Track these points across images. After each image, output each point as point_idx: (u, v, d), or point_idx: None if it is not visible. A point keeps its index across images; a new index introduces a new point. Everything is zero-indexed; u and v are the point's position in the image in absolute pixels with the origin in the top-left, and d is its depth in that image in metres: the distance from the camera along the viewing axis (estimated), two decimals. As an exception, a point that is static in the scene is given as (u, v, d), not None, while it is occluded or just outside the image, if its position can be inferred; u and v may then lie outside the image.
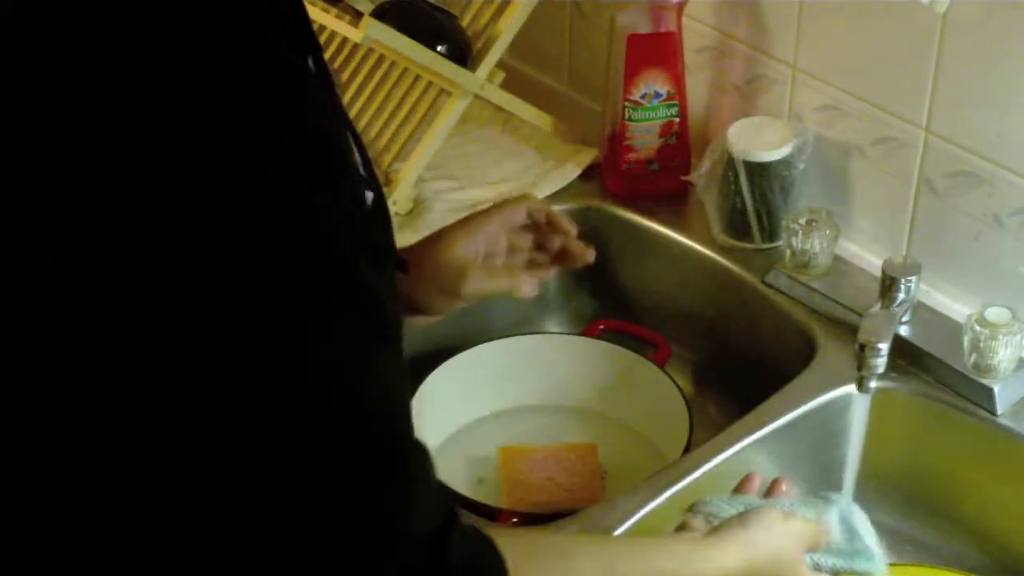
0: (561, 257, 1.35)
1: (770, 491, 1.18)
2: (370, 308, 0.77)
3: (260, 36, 0.73)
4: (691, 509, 1.14)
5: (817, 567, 1.12)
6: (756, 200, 1.50)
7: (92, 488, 0.75)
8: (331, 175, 0.76)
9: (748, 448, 1.32)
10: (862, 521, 1.17)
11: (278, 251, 0.72)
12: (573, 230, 1.34)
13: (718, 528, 1.09)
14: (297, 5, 0.80)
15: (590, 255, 1.35)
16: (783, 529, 1.09)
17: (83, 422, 0.73)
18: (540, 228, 1.34)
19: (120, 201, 0.70)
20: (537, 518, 1.32)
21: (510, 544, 0.87)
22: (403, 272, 1.15)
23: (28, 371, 0.73)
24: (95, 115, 0.70)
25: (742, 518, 1.09)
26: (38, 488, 0.76)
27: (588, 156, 1.66)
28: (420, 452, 0.81)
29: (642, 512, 1.25)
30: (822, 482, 1.38)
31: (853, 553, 1.14)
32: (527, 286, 1.29)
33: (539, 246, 1.35)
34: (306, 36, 0.81)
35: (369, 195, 0.89)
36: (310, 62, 0.79)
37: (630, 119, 1.57)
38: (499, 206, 1.32)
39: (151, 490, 0.75)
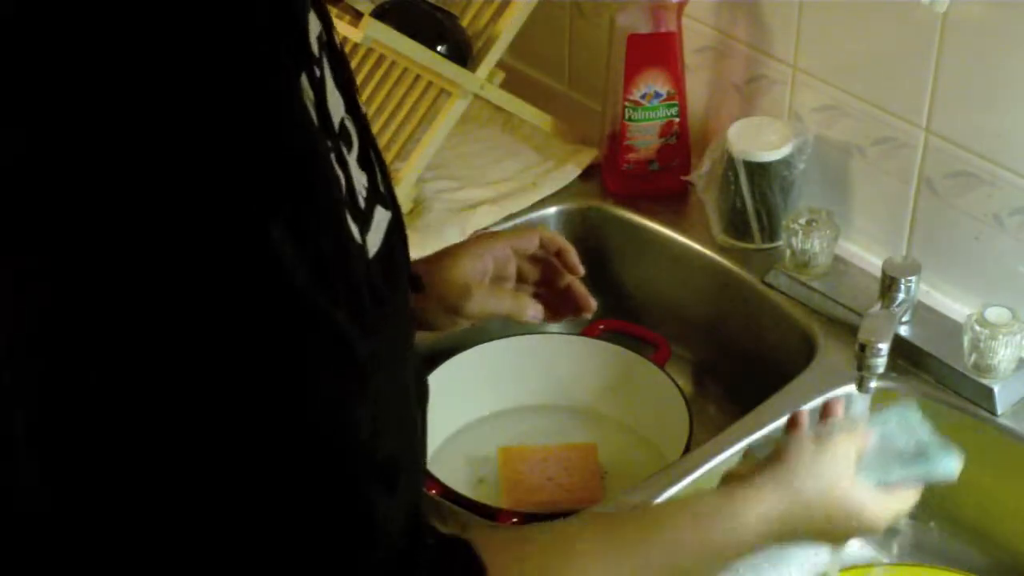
0: (563, 304, 1.30)
1: (823, 415, 1.11)
2: (335, 345, 0.76)
3: (243, 65, 0.72)
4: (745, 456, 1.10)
5: (885, 482, 1.04)
6: (756, 200, 1.50)
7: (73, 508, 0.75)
8: (299, 211, 0.74)
9: (748, 448, 1.32)
10: (921, 422, 1.09)
11: (235, 291, 0.71)
12: (581, 270, 1.30)
13: (753, 471, 1.02)
14: (296, 21, 0.78)
15: (592, 306, 1.30)
16: (823, 455, 1.02)
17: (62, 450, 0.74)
18: (549, 264, 1.30)
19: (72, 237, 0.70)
20: (537, 518, 1.32)
21: (500, 546, 0.86)
22: (416, 291, 1.13)
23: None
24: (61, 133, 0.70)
25: (775, 452, 1.02)
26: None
27: (588, 156, 1.66)
28: (388, 471, 0.81)
29: (642, 512, 1.25)
30: (822, 482, 1.38)
31: (920, 457, 1.06)
32: (532, 310, 1.26)
33: (546, 281, 1.31)
34: (303, 52, 0.80)
35: (384, 214, 0.88)
36: (304, 80, 0.78)
37: (630, 119, 1.57)
38: (511, 231, 1.30)
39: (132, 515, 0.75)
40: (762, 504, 0.99)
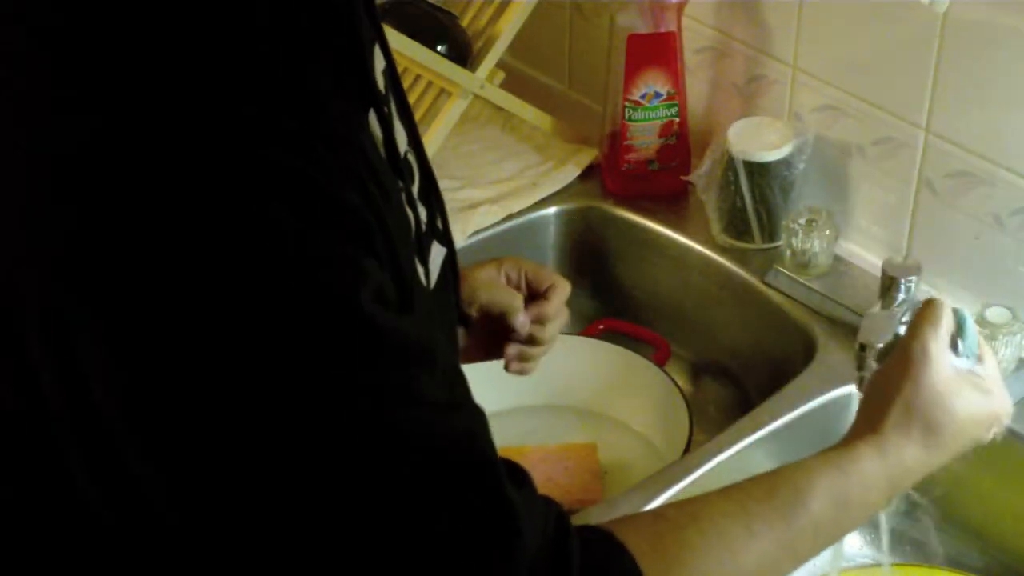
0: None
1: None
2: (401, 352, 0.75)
3: (301, 103, 0.71)
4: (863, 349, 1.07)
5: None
6: (756, 200, 1.50)
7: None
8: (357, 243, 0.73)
9: (748, 448, 1.32)
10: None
11: (296, 310, 0.70)
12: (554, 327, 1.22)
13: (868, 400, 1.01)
14: (361, 59, 0.77)
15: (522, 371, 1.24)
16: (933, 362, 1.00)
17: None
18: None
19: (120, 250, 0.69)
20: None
21: (633, 529, 0.84)
22: (463, 326, 1.10)
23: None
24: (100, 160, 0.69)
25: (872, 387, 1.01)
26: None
27: (588, 156, 1.66)
28: (512, 468, 0.80)
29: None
30: (822, 482, 1.38)
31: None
32: (524, 316, 1.19)
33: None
34: (369, 89, 0.78)
35: (440, 251, 0.87)
36: (372, 117, 0.77)
37: (630, 119, 1.57)
38: (531, 263, 1.26)
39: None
40: (903, 451, 0.98)
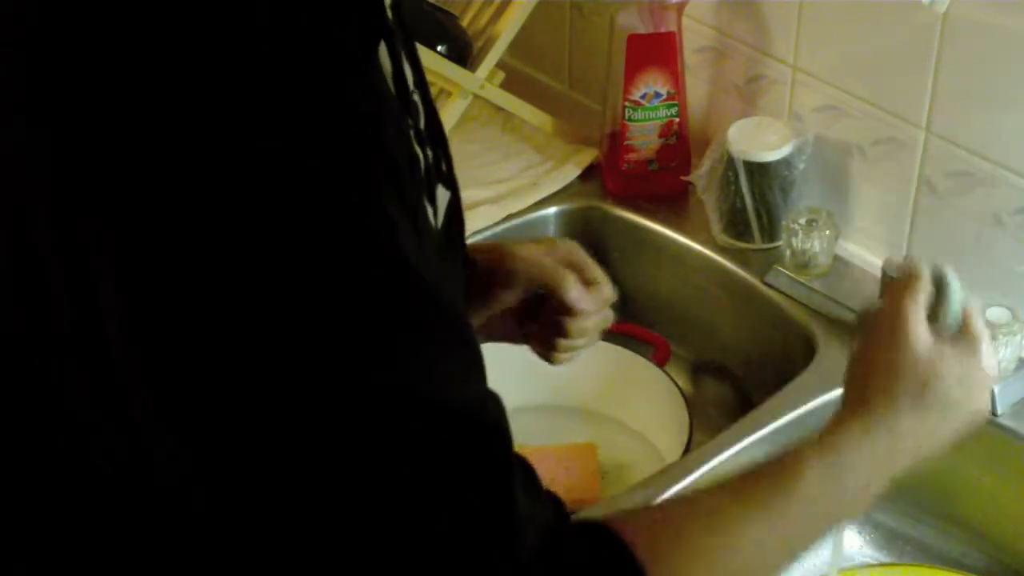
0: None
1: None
2: (445, 322, 0.75)
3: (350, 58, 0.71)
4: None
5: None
6: (756, 200, 1.50)
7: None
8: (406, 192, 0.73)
9: (748, 448, 1.32)
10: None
11: (353, 266, 0.70)
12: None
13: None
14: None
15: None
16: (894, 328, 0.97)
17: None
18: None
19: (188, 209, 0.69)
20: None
21: (635, 526, 0.84)
22: (470, 269, 1.08)
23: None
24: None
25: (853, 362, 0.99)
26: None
27: (588, 156, 1.66)
28: (519, 462, 0.80)
29: (642, 512, 1.25)
30: (822, 482, 1.38)
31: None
32: (576, 291, 1.12)
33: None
34: (380, 21, 0.78)
35: (445, 194, 0.86)
36: (382, 50, 0.76)
37: (630, 119, 1.57)
38: (585, 254, 1.16)
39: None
40: (878, 423, 0.94)
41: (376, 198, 0.71)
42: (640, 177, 1.60)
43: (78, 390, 0.73)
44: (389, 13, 0.79)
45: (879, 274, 1.37)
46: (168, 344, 0.70)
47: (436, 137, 0.87)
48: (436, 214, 0.84)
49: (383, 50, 0.77)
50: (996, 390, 1.32)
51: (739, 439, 1.32)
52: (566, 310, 1.11)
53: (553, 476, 1.41)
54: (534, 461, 1.43)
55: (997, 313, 1.32)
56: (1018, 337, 1.32)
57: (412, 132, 0.79)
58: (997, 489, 1.35)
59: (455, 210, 0.89)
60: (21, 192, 0.72)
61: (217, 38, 0.68)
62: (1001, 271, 1.40)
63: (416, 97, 0.83)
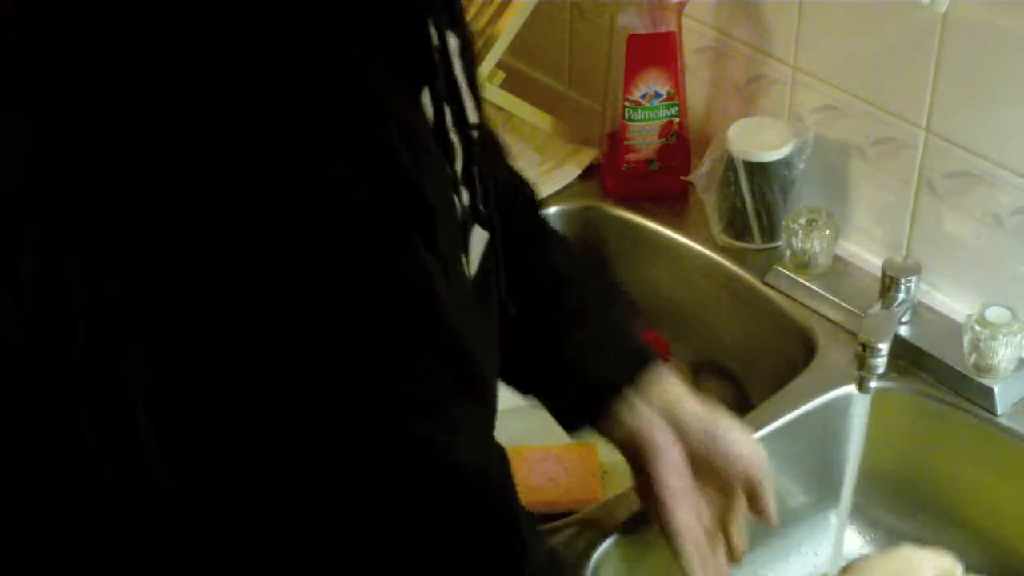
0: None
1: None
2: (453, 354, 0.75)
3: (366, 75, 0.71)
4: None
5: None
6: (756, 200, 1.50)
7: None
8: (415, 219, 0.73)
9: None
10: None
11: (356, 286, 0.70)
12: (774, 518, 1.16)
13: None
14: (419, 35, 0.77)
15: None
16: None
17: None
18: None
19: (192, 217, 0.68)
20: (537, 518, 1.32)
21: None
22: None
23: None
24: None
25: None
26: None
27: (588, 156, 1.66)
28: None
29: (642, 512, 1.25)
30: (822, 482, 1.38)
31: None
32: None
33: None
34: (425, 64, 0.78)
35: (482, 235, 0.86)
36: (425, 96, 0.76)
37: (630, 119, 1.57)
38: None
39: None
40: None
41: (402, 241, 0.71)
42: (640, 177, 1.60)
43: (79, 406, 0.73)
44: (436, 56, 0.79)
45: (879, 274, 1.37)
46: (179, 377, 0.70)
47: (477, 176, 0.86)
48: (469, 257, 0.84)
49: (426, 96, 0.76)
50: (996, 390, 1.32)
51: (739, 439, 1.32)
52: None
53: (553, 476, 1.41)
54: (534, 461, 1.44)
55: (997, 313, 1.32)
56: (1018, 337, 1.32)
57: (448, 175, 0.79)
58: (997, 489, 1.35)
59: (493, 253, 0.88)
60: (18, 214, 0.71)
61: (261, 79, 0.68)
62: (1001, 271, 1.40)
63: (454, 136, 0.83)
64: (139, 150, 0.68)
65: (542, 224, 1.15)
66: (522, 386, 1.13)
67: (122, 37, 0.68)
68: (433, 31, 0.79)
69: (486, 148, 0.91)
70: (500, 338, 0.92)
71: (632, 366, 1.11)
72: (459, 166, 0.84)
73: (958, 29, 1.34)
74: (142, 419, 0.70)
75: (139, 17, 0.68)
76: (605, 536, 1.23)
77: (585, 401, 1.11)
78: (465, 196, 0.84)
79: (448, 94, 0.81)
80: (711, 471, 1.11)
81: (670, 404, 1.10)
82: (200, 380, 0.69)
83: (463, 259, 0.81)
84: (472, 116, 0.86)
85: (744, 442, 1.12)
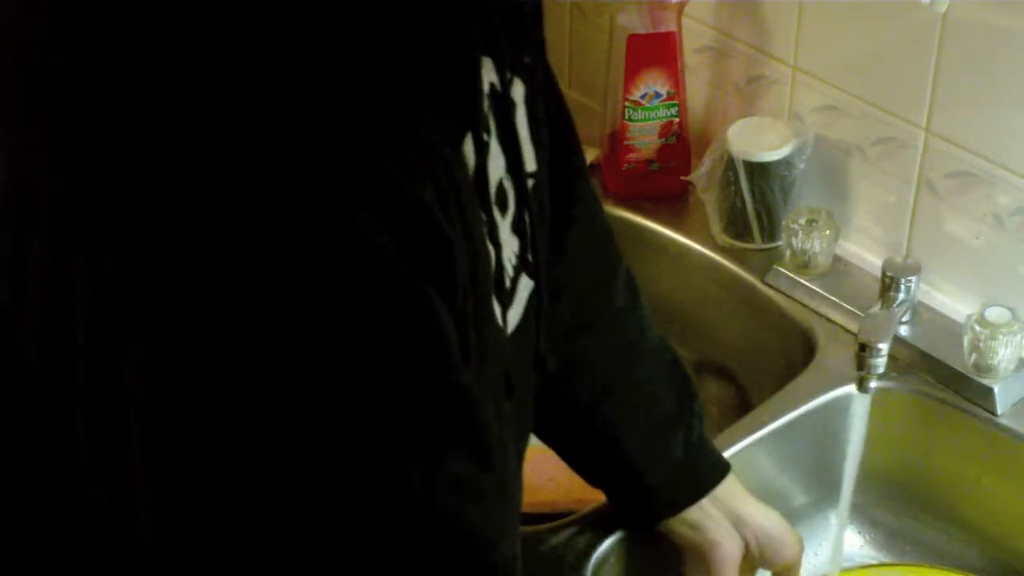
0: None
1: None
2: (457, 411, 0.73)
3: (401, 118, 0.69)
4: None
5: None
6: (756, 200, 1.50)
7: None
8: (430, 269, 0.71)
9: (748, 448, 1.32)
10: None
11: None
12: None
13: None
14: (468, 83, 0.75)
15: None
16: None
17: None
18: None
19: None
20: (537, 518, 1.32)
21: None
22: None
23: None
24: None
25: None
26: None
27: (588, 156, 1.66)
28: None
29: (642, 512, 1.25)
30: (822, 482, 1.38)
31: None
32: None
33: None
34: (472, 113, 0.76)
35: (528, 284, 0.85)
36: (468, 144, 0.75)
37: (630, 119, 1.57)
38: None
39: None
40: None
41: (411, 280, 0.69)
42: (640, 177, 1.60)
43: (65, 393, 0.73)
44: (486, 102, 0.77)
45: (879, 274, 1.37)
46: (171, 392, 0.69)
47: (527, 223, 0.84)
48: (508, 306, 0.82)
49: (469, 144, 0.75)
50: (996, 390, 1.32)
51: (739, 439, 1.32)
52: None
53: (553, 476, 1.41)
54: (534, 461, 1.44)
55: (997, 313, 1.32)
56: (1018, 337, 1.32)
57: (486, 229, 0.77)
58: (997, 489, 1.35)
59: (537, 303, 0.87)
60: (21, 212, 0.71)
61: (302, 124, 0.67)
62: (1001, 271, 1.40)
63: (507, 184, 0.81)
64: (153, 151, 0.67)
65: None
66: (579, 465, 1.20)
67: (147, 40, 0.68)
68: (491, 74, 0.77)
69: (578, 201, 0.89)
70: (541, 397, 0.93)
71: (709, 478, 1.17)
72: (511, 215, 0.82)
73: (958, 29, 1.34)
74: (133, 420, 0.70)
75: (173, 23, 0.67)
76: (605, 536, 1.23)
77: (657, 503, 1.18)
78: (515, 244, 0.82)
79: (503, 140, 0.79)
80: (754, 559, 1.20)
81: (736, 507, 1.17)
82: (194, 389, 0.69)
83: (496, 310, 0.80)
84: (530, 164, 0.84)
85: (795, 543, 1.20)
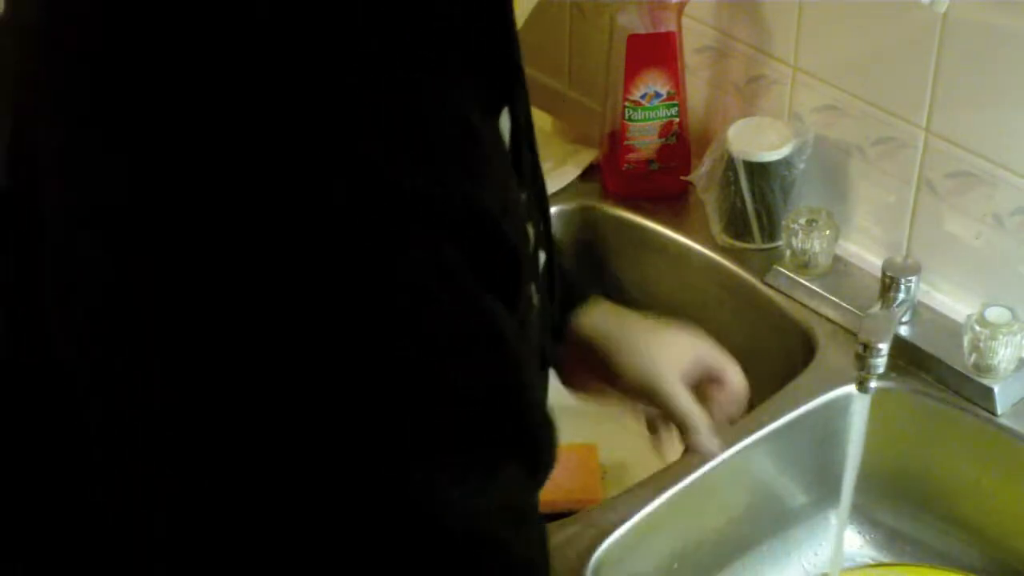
0: None
1: None
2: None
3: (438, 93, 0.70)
4: None
5: None
6: (756, 200, 1.50)
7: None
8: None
9: (748, 448, 1.32)
10: None
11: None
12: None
13: None
14: (502, 54, 0.76)
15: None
16: None
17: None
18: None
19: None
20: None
21: None
22: (558, 341, 1.06)
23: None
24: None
25: None
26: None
27: (588, 156, 1.66)
28: None
29: (642, 512, 1.25)
30: (822, 482, 1.38)
31: None
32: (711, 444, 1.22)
33: None
34: (506, 88, 0.76)
35: (542, 260, 0.86)
36: (504, 118, 0.76)
37: (630, 119, 1.57)
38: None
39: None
40: None
41: (470, 286, 0.70)
42: (640, 177, 1.60)
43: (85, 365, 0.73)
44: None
45: (879, 274, 1.37)
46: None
47: (539, 201, 0.86)
48: (536, 283, 0.83)
49: (505, 115, 0.76)
50: (996, 390, 1.32)
51: (739, 439, 1.32)
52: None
53: (553, 476, 1.41)
54: (534, 461, 1.43)
55: (997, 313, 1.32)
56: (1018, 337, 1.32)
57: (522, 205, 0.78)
58: (997, 489, 1.35)
59: (549, 276, 0.88)
60: (37, 209, 0.71)
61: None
62: (1001, 271, 1.40)
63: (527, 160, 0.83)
64: (153, 151, 0.67)
65: None
66: None
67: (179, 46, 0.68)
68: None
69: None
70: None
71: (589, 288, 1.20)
72: (527, 192, 0.83)
73: (958, 29, 1.34)
74: (133, 419, 0.70)
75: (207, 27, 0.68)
76: (605, 536, 1.23)
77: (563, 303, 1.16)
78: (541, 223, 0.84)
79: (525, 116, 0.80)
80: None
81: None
82: (199, 389, 0.69)
83: (533, 290, 0.80)
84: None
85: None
